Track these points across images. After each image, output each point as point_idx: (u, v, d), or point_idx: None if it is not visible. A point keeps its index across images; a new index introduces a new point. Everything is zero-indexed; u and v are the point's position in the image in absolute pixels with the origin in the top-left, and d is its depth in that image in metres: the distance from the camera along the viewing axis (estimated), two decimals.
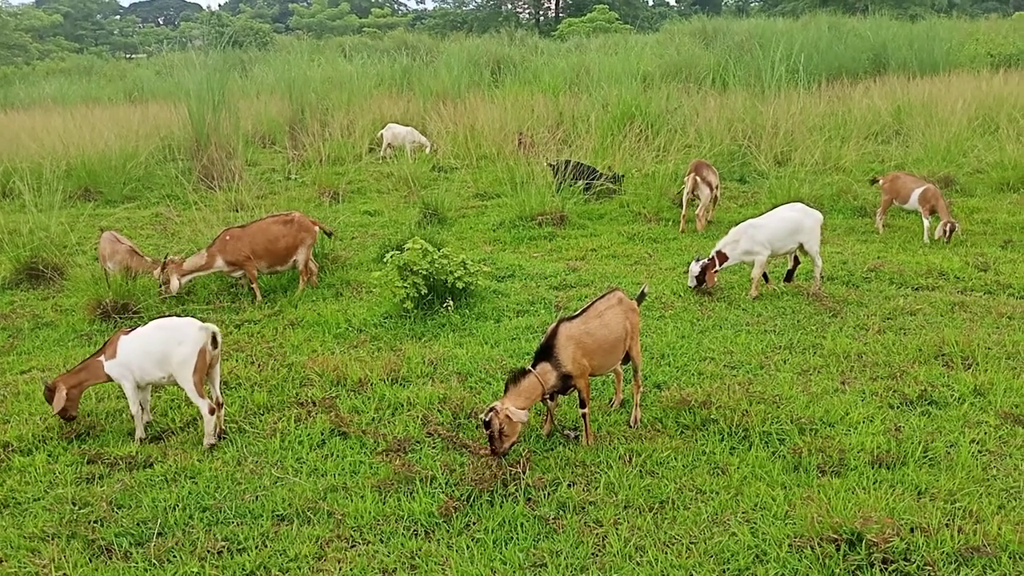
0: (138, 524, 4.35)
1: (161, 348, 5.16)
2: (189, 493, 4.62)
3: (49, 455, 5.16)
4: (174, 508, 4.47)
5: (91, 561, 4.09)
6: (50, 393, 5.32)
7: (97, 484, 4.80)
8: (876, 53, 22.72)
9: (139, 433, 5.33)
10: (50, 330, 7.51)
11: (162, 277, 7.80)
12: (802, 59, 15.59)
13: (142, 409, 5.35)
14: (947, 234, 9.06)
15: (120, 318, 7.54)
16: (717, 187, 10.31)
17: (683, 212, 10.27)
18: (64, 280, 8.65)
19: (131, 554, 4.12)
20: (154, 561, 4.05)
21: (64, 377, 5.36)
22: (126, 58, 52.34)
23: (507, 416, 4.54)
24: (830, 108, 15.97)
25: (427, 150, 16.36)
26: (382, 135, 16.61)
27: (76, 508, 4.53)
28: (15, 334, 7.45)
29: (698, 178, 9.93)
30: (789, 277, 7.87)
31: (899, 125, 15.55)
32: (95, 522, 4.40)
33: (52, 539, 4.27)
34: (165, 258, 7.87)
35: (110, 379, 5.32)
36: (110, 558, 4.11)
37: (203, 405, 5.16)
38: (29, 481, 4.87)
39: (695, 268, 7.64)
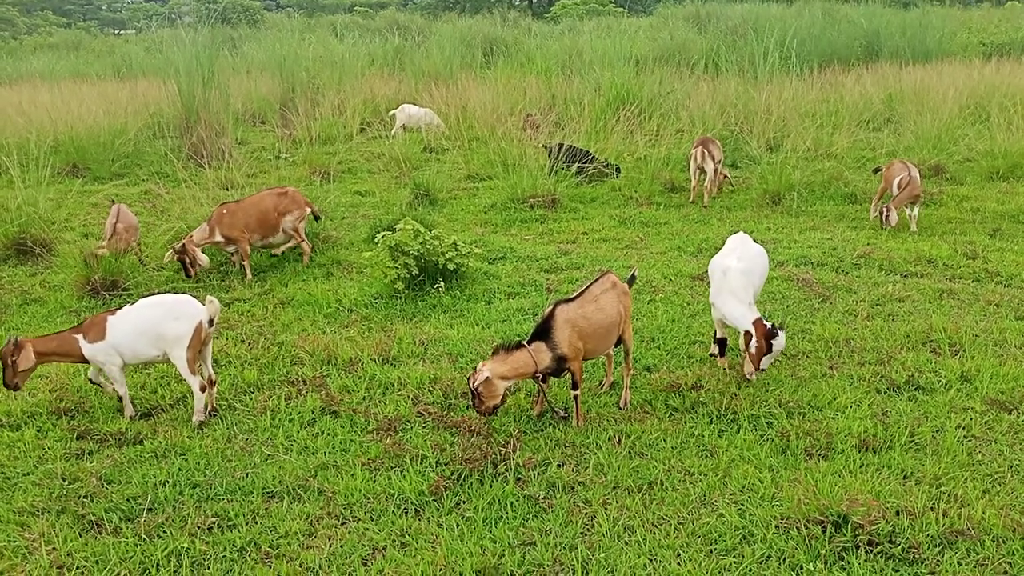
0: (128, 500, 4.36)
1: (156, 326, 5.11)
2: (179, 469, 4.63)
3: (38, 430, 5.14)
4: (164, 484, 4.48)
5: (81, 536, 4.09)
6: (16, 349, 5.02)
7: (87, 460, 4.79)
8: (869, 40, 22.70)
9: (128, 411, 5.31)
10: (38, 306, 7.47)
11: (187, 258, 7.67)
12: (795, 45, 15.54)
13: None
14: (882, 216, 9.17)
15: (109, 295, 7.50)
16: (719, 161, 10.71)
17: (693, 184, 10.82)
18: (52, 256, 8.59)
19: (121, 529, 4.12)
20: (144, 536, 4.05)
21: (36, 341, 5.15)
22: (115, 34, 51.71)
23: (486, 377, 4.61)
24: (822, 95, 15.96)
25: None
26: (394, 116, 16.00)
27: (66, 483, 4.52)
28: (3, 310, 7.39)
29: (705, 151, 10.40)
30: None
31: (891, 113, 15.56)
32: (85, 497, 4.40)
33: (42, 514, 4.27)
34: (181, 243, 7.70)
35: (83, 361, 5.19)
36: (100, 533, 4.11)
37: (194, 383, 5.14)
38: (18, 456, 4.85)
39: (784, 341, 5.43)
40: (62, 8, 62.38)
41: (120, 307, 5.32)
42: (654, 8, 40.23)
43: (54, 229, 9.29)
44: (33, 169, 9.86)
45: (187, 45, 13.79)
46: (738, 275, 5.46)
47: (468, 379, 4.71)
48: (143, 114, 15.55)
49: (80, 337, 5.16)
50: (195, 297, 5.31)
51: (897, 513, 4.05)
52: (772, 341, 5.21)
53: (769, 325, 5.25)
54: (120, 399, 5.32)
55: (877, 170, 10.17)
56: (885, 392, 5.43)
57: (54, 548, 3.98)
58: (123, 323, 5.16)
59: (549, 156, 11.50)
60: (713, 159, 10.47)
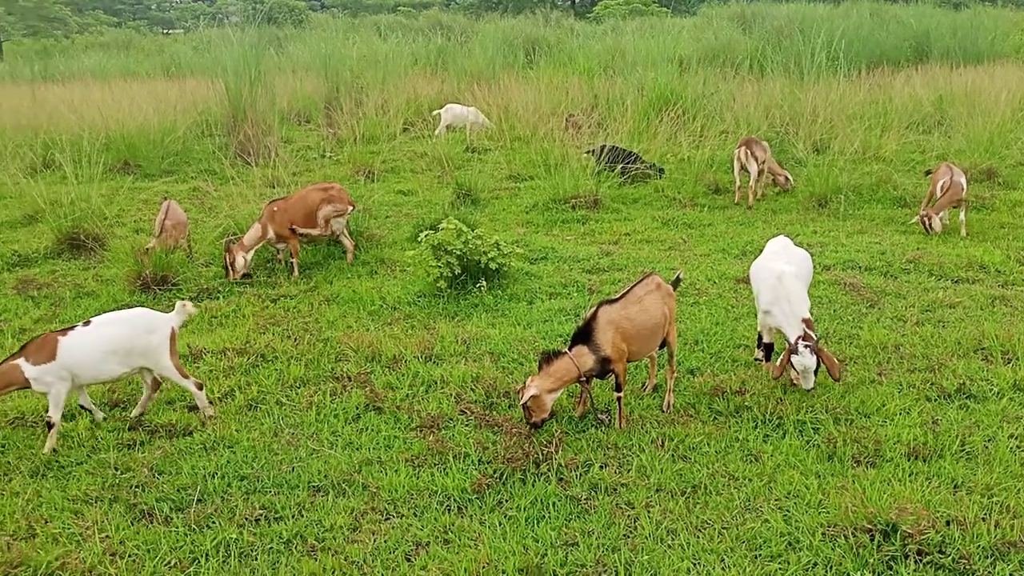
0: (178, 490, 4.45)
1: (129, 342, 5.00)
2: (227, 462, 4.71)
3: (91, 421, 5.27)
4: (213, 476, 4.57)
5: (132, 524, 4.19)
6: None
7: (138, 450, 4.90)
8: (918, 41, 22.28)
9: (48, 446, 4.92)
10: (91, 299, 7.64)
11: (227, 259, 7.88)
12: (842, 46, 15.30)
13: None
14: (924, 223, 9.03)
15: (159, 290, 7.65)
16: (763, 162, 10.63)
17: (737, 184, 10.78)
18: (105, 251, 8.79)
19: (171, 519, 4.21)
20: (193, 526, 4.14)
21: None
22: (163, 33, 52.75)
23: (532, 395, 4.69)
24: (870, 96, 15.70)
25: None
26: (439, 115, 15.97)
27: (118, 473, 4.63)
28: (57, 303, 7.59)
29: (748, 151, 10.42)
30: None
31: (941, 115, 15.25)
32: (136, 487, 4.50)
33: (95, 502, 4.38)
34: (228, 241, 7.94)
35: (27, 386, 4.83)
36: (151, 522, 4.20)
37: (190, 384, 5.23)
38: (72, 446, 4.98)
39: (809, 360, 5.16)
40: (113, 8, 63.77)
41: (71, 327, 5.02)
42: (698, 8, 39.89)
43: (106, 224, 9.50)
44: (86, 166, 10.10)
45: (234, 45, 14.01)
46: (793, 279, 5.38)
47: (518, 393, 4.80)
48: (191, 112, 15.84)
49: (22, 361, 4.82)
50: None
51: (947, 523, 3.98)
52: (792, 357, 5.19)
53: (795, 341, 5.17)
54: (49, 427, 4.89)
55: (928, 172, 10.00)
56: (935, 400, 5.33)
57: (107, 536, 4.08)
58: (81, 343, 4.89)
59: (593, 157, 11.51)
60: (756, 159, 10.39)
